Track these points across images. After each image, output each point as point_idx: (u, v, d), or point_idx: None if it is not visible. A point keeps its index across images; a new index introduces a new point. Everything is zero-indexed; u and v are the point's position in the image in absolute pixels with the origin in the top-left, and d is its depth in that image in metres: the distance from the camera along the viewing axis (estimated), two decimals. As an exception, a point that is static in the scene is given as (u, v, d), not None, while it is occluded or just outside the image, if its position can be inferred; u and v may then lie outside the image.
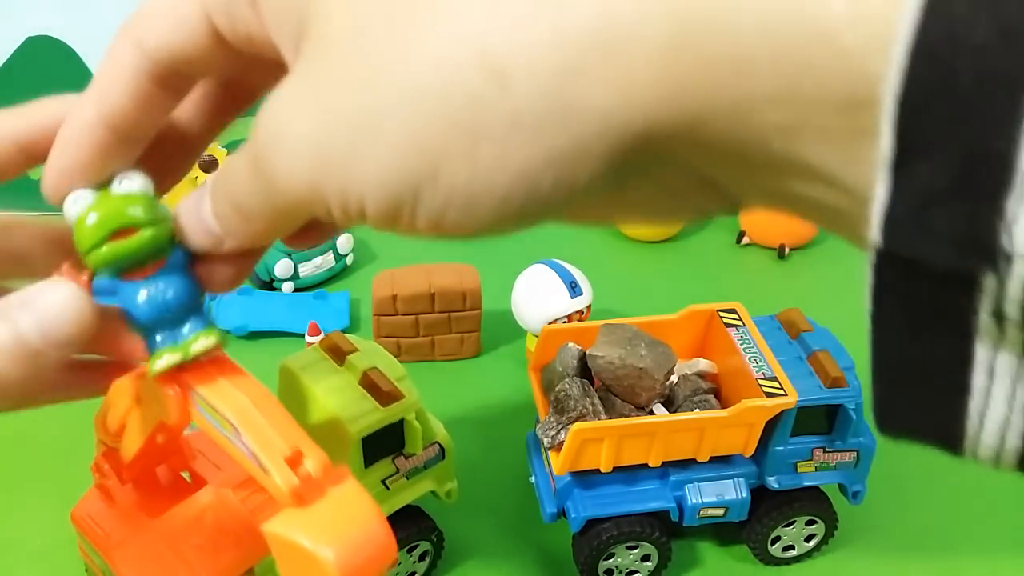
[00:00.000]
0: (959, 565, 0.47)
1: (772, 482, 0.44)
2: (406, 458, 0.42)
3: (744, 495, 0.44)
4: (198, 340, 0.24)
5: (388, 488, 0.42)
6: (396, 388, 0.40)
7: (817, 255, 0.77)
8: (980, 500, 0.51)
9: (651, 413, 0.44)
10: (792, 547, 0.47)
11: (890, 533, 0.49)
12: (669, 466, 0.43)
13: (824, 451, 0.44)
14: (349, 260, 0.72)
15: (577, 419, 0.42)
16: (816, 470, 0.44)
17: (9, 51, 0.77)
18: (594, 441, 0.41)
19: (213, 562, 0.37)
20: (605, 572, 0.45)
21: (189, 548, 0.37)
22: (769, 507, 0.45)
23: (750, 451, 0.43)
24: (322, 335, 0.58)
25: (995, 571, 0.47)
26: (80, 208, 0.22)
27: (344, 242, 0.70)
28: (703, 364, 0.48)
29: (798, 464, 0.44)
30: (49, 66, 0.77)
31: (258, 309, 0.65)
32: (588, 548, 0.44)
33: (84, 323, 0.22)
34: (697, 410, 0.44)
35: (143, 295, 0.23)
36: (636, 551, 0.44)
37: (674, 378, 0.46)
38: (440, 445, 0.43)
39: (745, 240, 0.78)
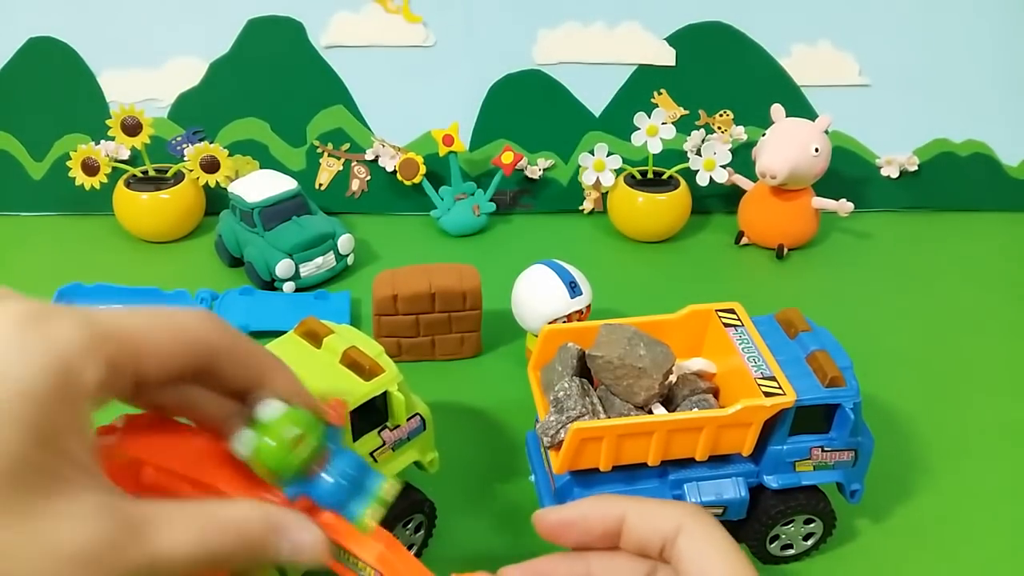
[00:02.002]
0: (957, 564, 0.47)
1: (771, 481, 0.44)
2: (391, 430, 0.43)
3: (743, 494, 0.44)
4: (385, 488, 0.29)
5: (376, 460, 0.43)
6: (377, 363, 0.42)
7: (815, 255, 0.77)
8: (978, 499, 0.51)
9: (650, 412, 0.44)
10: (791, 546, 0.47)
11: (888, 532, 0.49)
12: (668, 465, 0.44)
13: (822, 450, 0.44)
14: (350, 260, 0.72)
15: (577, 418, 0.42)
16: (814, 469, 0.45)
17: (11, 52, 0.77)
18: (593, 440, 0.41)
19: None
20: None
21: None
22: (768, 506, 0.45)
23: (749, 450, 0.43)
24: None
25: (993, 570, 0.47)
26: (252, 440, 0.27)
27: (345, 242, 0.70)
28: (702, 364, 0.48)
29: (796, 463, 0.44)
30: (50, 67, 0.78)
31: (259, 309, 0.65)
32: (587, 547, 0.44)
33: (322, 559, 0.27)
34: (696, 410, 0.44)
35: (332, 482, 0.28)
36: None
37: (673, 378, 0.46)
38: (421, 416, 0.45)
39: (744, 240, 0.78)
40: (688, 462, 0.44)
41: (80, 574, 0.22)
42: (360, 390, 0.41)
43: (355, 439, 0.41)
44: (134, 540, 0.23)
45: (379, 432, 0.43)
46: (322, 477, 0.28)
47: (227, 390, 0.28)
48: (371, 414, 0.42)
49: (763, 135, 0.75)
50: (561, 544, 0.31)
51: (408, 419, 0.44)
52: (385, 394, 0.42)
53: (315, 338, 0.43)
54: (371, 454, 0.42)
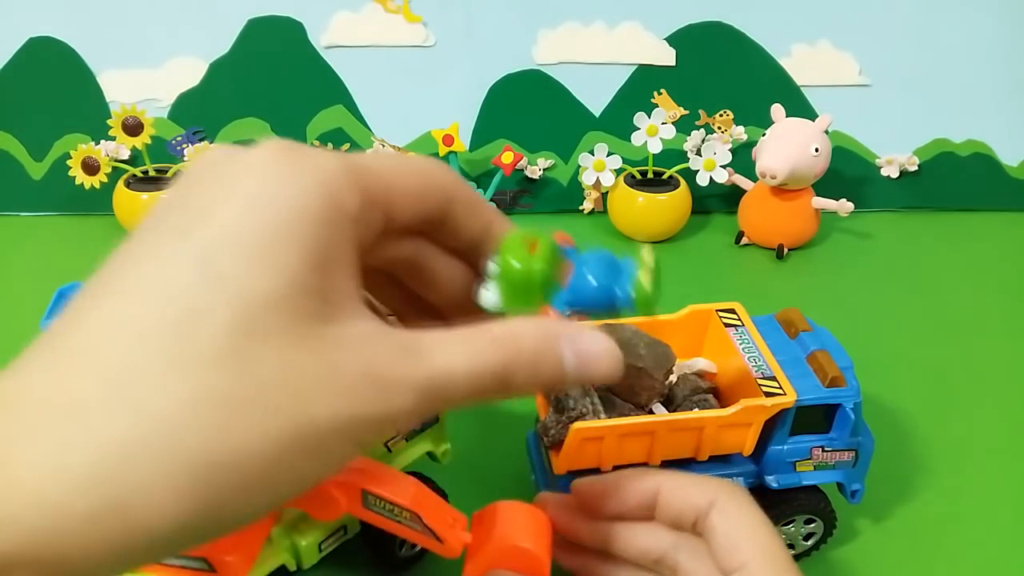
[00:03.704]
0: (958, 564, 0.47)
1: (771, 481, 0.44)
2: None
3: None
4: (644, 255, 0.29)
5: (390, 450, 0.43)
6: None
7: (816, 255, 0.77)
8: (979, 499, 0.51)
9: (650, 412, 0.44)
10: (791, 546, 0.47)
11: (888, 532, 0.49)
12: (668, 465, 0.44)
13: (823, 450, 0.44)
14: (349, 260, 0.72)
15: (577, 418, 0.42)
16: (815, 469, 0.45)
17: (10, 52, 0.77)
18: (594, 440, 0.41)
19: None
20: (605, 571, 0.45)
21: None
22: (768, 506, 0.45)
23: (749, 450, 0.43)
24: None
25: (994, 570, 0.47)
26: (495, 271, 0.27)
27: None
28: (702, 363, 0.48)
29: (797, 463, 0.44)
30: (50, 67, 0.78)
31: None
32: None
33: (615, 374, 0.25)
34: (696, 409, 0.44)
35: (590, 277, 0.27)
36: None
37: (673, 377, 0.46)
38: None
39: (744, 240, 0.78)
40: (689, 462, 0.44)
41: (371, 395, 0.21)
42: None
43: None
44: (410, 358, 0.22)
45: None
46: (578, 279, 0.27)
47: (456, 244, 0.28)
48: None
49: (763, 135, 0.75)
50: (595, 515, 0.32)
51: None
52: None
53: None
54: (385, 444, 0.43)
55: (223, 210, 0.21)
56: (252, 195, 0.21)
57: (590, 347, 0.24)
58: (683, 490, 0.30)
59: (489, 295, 0.27)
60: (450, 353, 0.23)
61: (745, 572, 0.28)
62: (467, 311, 0.28)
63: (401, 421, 0.22)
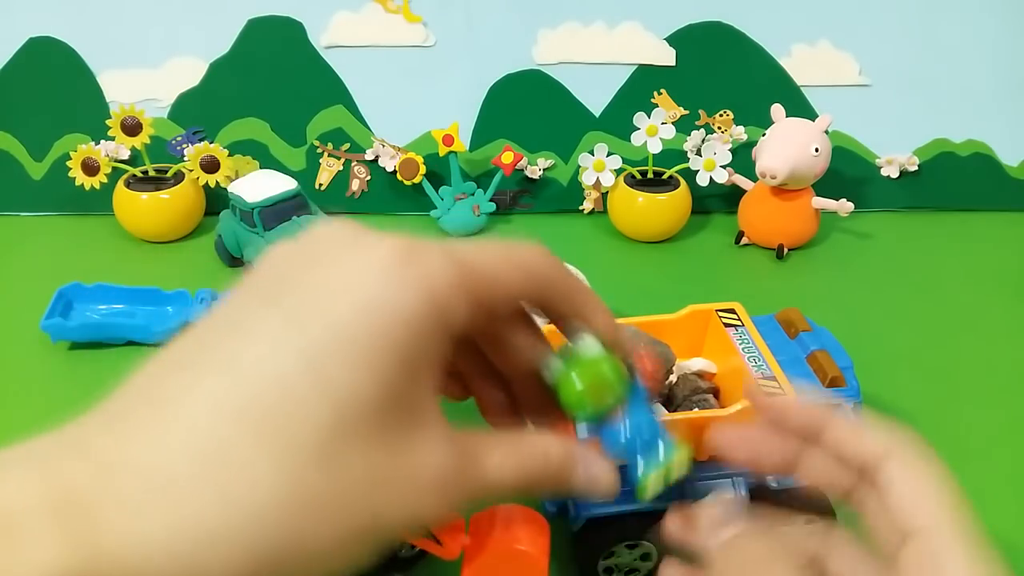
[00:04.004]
0: (957, 564, 0.47)
1: (771, 481, 0.44)
2: None
3: (743, 494, 0.44)
4: (676, 460, 0.30)
5: None
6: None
7: (815, 255, 0.77)
8: (979, 499, 0.51)
9: (650, 412, 0.44)
10: (791, 546, 0.47)
11: (888, 532, 0.49)
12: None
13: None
14: (349, 260, 0.72)
15: (577, 418, 0.42)
16: (815, 469, 0.45)
17: (10, 52, 0.77)
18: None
19: None
20: (605, 571, 0.45)
21: None
22: (768, 506, 0.45)
23: (749, 450, 0.43)
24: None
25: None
26: (560, 372, 0.28)
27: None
28: (702, 364, 0.48)
29: (797, 463, 0.44)
30: (50, 67, 0.78)
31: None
32: (588, 546, 0.44)
33: (612, 495, 0.28)
34: (696, 409, 0.44)
35: (625, 433, 0.29)
36: (636, 550, 0.44)
37: (673, 377, 0.46)
38: None
39: (744, 240, 0.78)
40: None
41: (435, 499, 0.23)
42: None
43: None
44: (472, 466, 0.24)
45: None
46: (615, 427, 0.29)
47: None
48: None
49: (763, 135, 0.75)
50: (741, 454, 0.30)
51: None
52: None
53: None
54: None
55: (337, 307, 0.22)
56: (368, 299, 0.22)
57: (598, 473, 0.28)
58: (855, 431, 0.27)
59: (548, 375, 0.28)
60: (499, 466, 0.25)
61: (924, 538, 0.26)
62: (530, 380, 0.30)
63: (447, 518, 0.23)
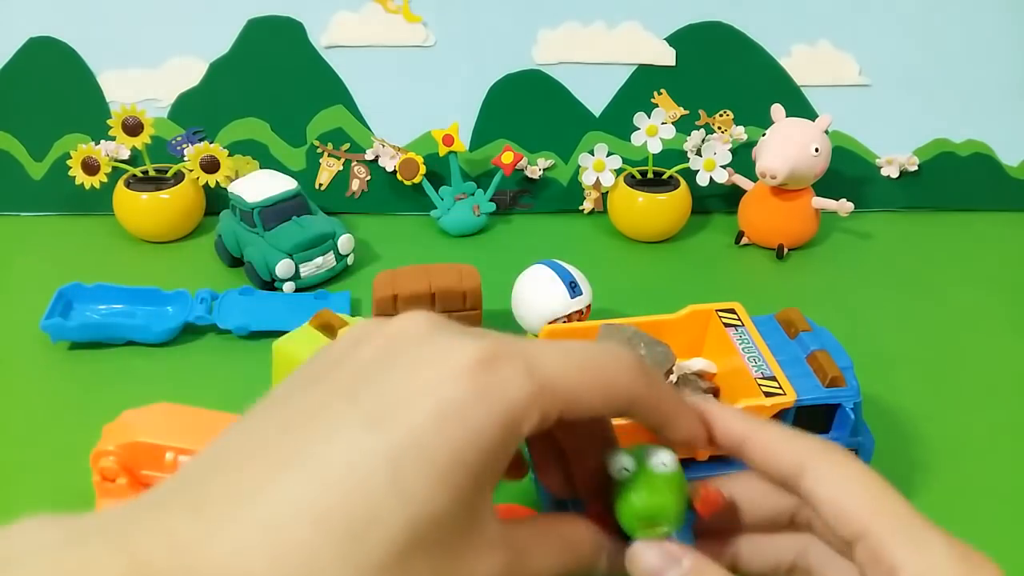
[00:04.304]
0: (957, 564, 0.47)
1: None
2: None
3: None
4: None
5: None
6: None
7: (815, 255, 0.77)
8: (979, 499, 0.51)
9: (650, 412, 0.44)
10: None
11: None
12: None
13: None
14: (350, 260, 0.72)
15: (577, 418, 0.42)
16: (814, 469, 0.45)
17: (10, 52, 0.77)
18: (594, 440, 0.41)
19: None
20: (605, 571, 0.45)
21: None
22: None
23: (749, 450, 0.43)
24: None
25: (993, 570, 0.47)
26: (626, 475, 0.27)
27: (345, 242, 0.70)
28: (702, 364, 0.48)
29: (797, 463, 0.44)
30: (50, 67, 0.78)
31: (259, 309, 0.65)
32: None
33: None
34: (696, 409, 0.44)
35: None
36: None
37: (673, 378, 0.46)
38: None
39: (744, 240, 0.78)
40: (688, 462, 0.44)
41: None
42: None
43: None
44: (519, 563, 0.25)
45: None
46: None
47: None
48: None
49: (763, 135, 0.75)
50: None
51: None
52: None
53: (330, 330, 0.44)
54: None
55: (416, 414, 0.22)
56: (446, 409, 0.22)
57: (617, 560, 0.28)
58: (770, 447, 0.27)
59: (613, 474, 0.28)
60: (543, 553, 0.26)
61: (870, 539, 0.25)
62: (590, 464, 0.29)
63: None
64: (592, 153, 0.77)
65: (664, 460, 0.27)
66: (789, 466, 0.27)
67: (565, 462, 0.30)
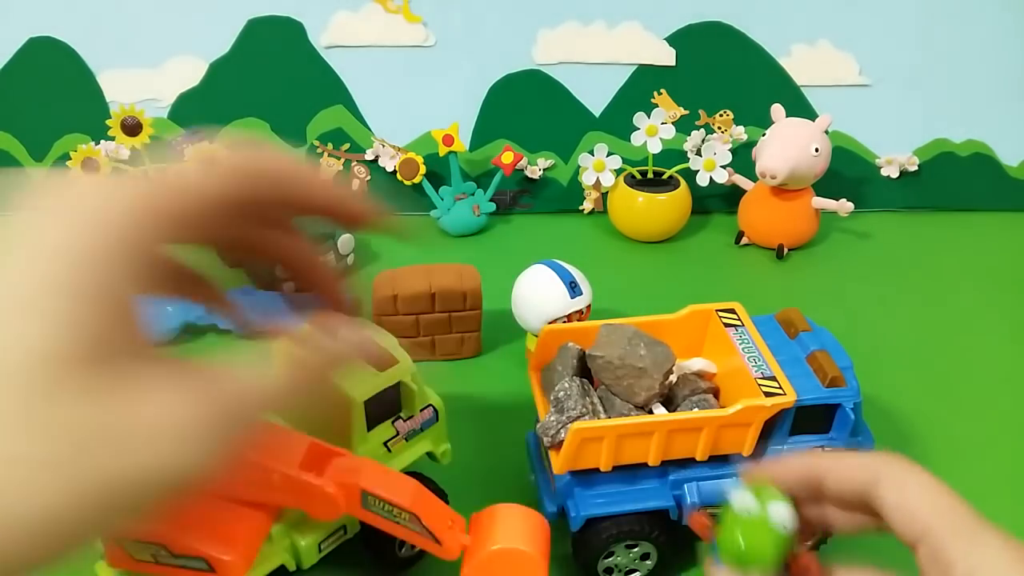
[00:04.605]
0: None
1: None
2: (404, 420, 0.43)
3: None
4: None
5: (389, 450, 0.43)
6: (391, 354, 0.42)
7: (815, 255, 0.77)
8: (978, 499, 0.51)
9: (650, 412, 0.44)
10: (791, 546, 0.47)
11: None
12: (668, 465, 0.44)
13: (823, 450, 0.44)
14: (350, 260, 0.72)
15: (577, 418, 0.42)
16: (814, 469, 0.45)
17: (11, 52, 0.77)
18: (593, 440, 0.41)
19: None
20: (604, 571, 0.45)
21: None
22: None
23: (749, 450, 0.43)
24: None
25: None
26: (743, 515, 0.29)
27: (345, 243, 0.70)
28: (702, 364, 0.48)
29: (797, 463, 0.44)
30: (50, 67, 0.78)
31: (259, 309, 0.65)
32: (588, 546, 0.44)
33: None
34: (696, 409, 0.44)
35: None
36: (635, 550, 0.44)
37: (673, 378, 0.46)
38: (434, 407, 0.45)
39: (744, 240, 0.78)
40: (688, 462, 0.44)
41: (176, 445, 0.21)
42: (374, 380, 0.41)
43: (369, 429, 0.41)
44: (202, 399, 0.22)
45: (392, 422, 0.43)
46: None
47: (287, 219, 0.29)
48: (385, 404, 0.42)
49: (763, 135, 0.75)
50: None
51: (421, 410, 0.44)
52: (398, 384, 0.42)
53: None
54: (385, 444, 0.43)
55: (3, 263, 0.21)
56: (31, 246, 0.21)
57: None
58: (844, 466, 0.28)
59: (735, 505, 0.29)
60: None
61: (930, 538, 0.26)
62: (315, 276, 0.30)
63: (209, 472, 0.21)
64: (592, 153, 0.77)
65: (785, 520, 0.29)
66: (865, 478, 0.28)
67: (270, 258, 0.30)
